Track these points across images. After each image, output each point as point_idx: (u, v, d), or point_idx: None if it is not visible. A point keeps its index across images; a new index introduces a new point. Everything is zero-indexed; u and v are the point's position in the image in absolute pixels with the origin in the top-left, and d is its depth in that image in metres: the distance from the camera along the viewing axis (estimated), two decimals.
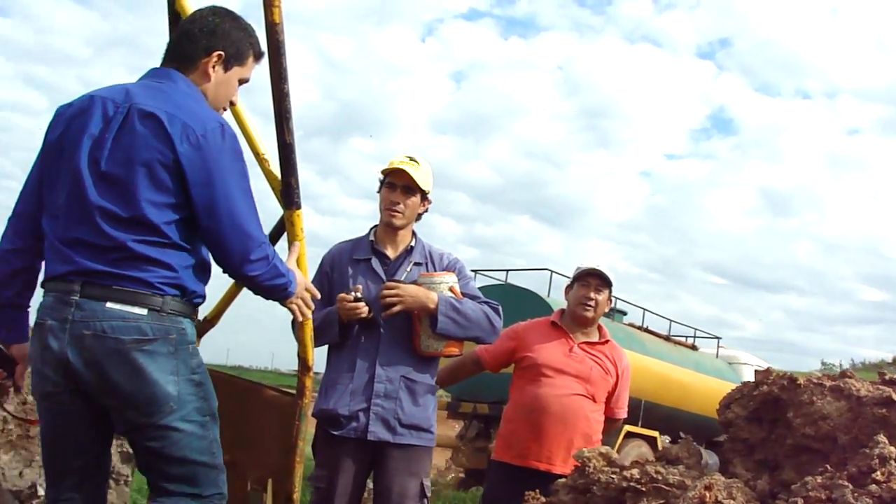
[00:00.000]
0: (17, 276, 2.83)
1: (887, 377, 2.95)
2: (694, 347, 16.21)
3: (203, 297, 2.85)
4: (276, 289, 2.86)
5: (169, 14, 4.25)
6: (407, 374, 3.74)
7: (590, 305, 4.60)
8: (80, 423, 2.71)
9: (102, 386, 2.61)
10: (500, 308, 3.89)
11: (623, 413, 4.81)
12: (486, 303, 3.86)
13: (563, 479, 3.15)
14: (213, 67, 2.91)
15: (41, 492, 4.55)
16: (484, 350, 4.64)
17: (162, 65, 2.91)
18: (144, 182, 2.63)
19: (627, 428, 13.33)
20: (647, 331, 15.02)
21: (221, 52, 2.91)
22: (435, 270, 3.85)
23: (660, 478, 2.78)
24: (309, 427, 3.62)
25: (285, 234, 3.72)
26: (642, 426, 13.69)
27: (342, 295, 3.68)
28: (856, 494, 2.40)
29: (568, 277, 4.92)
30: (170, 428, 2.66)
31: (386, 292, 3.67)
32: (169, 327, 2.66)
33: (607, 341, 4.74)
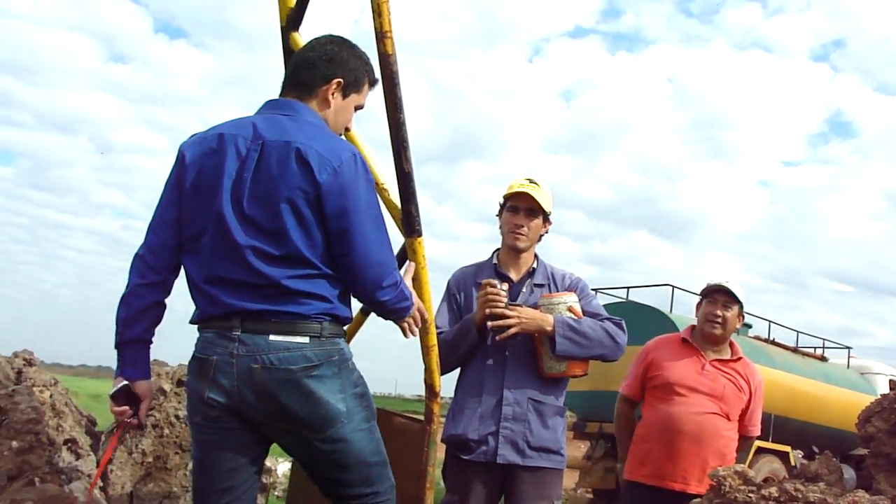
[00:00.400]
0: (148, 312, 2.88)
1: None
2: (823, 358, 15.73)
3: (351, 318, 2.96)
4: (400, 311, 2.98)
5: (284, 50, 4.37)
6: (534, 396, 3.74)
7: (717, 322, 4.52)
8: (239, 450, 2.81)
9: (277, 413, 2.72)
10: (622, 323, 3.86)
11: (757, 431, 4.71)
12: (608, 319, 3.82)
13: (698, 500, 3.09)
14: (333, 94, 2.98)
15: None
16: (626, 387, 4.71)
17: (281, 94, 3.00)
18: (290, 218, 2.72)
19: (758, 443, 13.00)
20: (773, 343, 14.65)
21: (340, 80, 2.99)
22: (557, 291, 3.84)
23: (799, 496, 2.71)
24: (438, 452, 3.64)
25: (407, 261, 3.77)
26: (773, 441, 13.35)
27: (489, 280, 3.73)
28: None
29: (689, 292, 4.89)
30: (343, 440, 2.80)
31: (498, 311, 3.68)
32: (330, 350, 2.77)
33: (740, 358, 4.64)
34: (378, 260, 2.83)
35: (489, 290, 3.67)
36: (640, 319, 11.32)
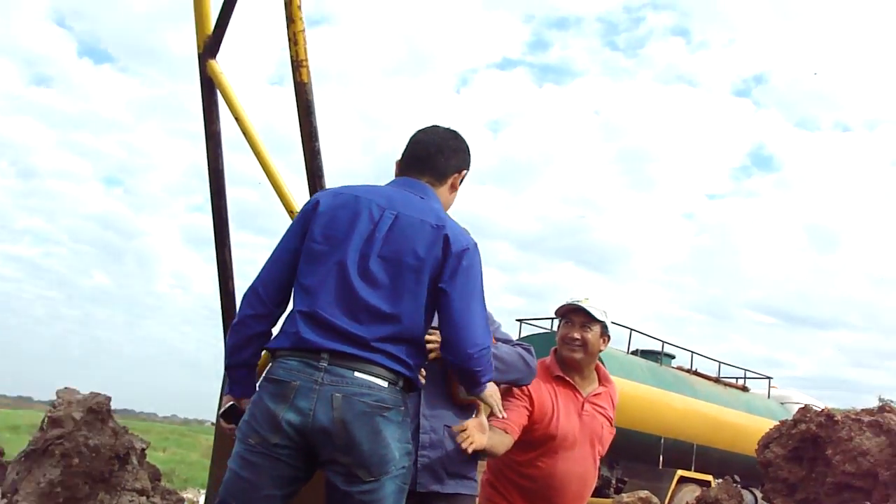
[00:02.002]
0: (255, 340, 3.11)
1: None
2: (745, 389, 16.02)
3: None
4: (483, 384, 3.19)
5: (200, 77, 4.36)
6: (449, 422, 3.72)
7: (577, 346, 4.10)
8: (286, 480, 2.92)
9: (344, 443, 2.83)
10: (532, 349, 3.87)
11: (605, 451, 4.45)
12: (518, 344, 3.85)
13: None
14: (459, 182, 3.34)
15: None
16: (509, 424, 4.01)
17: (411, 173, 3.26)
18: (409, 284, 2.96)
19: (681, 473, 13.18)
20: (696, 373, 14.89)
21: (466, 171, 3.35)
22: None
23: None
24: None
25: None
26: (695, 470, 13.52)
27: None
28: None
29: (616, 324, 4.49)
30: (383, 485, 2.89)
31: (427, 338, 3.66)
32: (400, 399, 2.96)
33: (609, 384, 4.26)
34: (478, 340, 3.05)
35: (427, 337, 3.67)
36: None
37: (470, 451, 3.51)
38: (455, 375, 3.30)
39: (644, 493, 2.72)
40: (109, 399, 4.96)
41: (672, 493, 12.71)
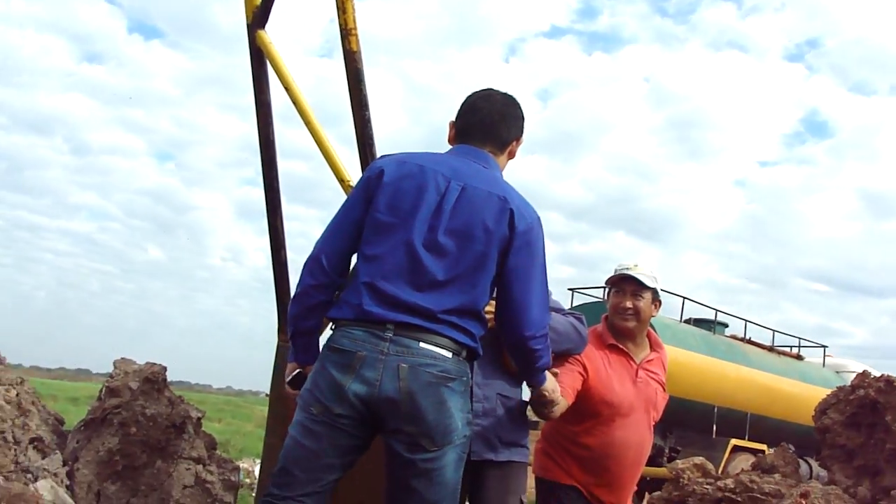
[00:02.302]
0: (318, 309, 3.11)
1: None
2: (799, 357, 15.84)
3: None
4: (540, 359, 3.16)
5: (250, 48, 4.37)
6: (502, 391, 3.72)
7: (629, 314, 4.10)
8: (347, 449, 2.95)
9: (409, 413, 2.85)
10: (583, 318, 3.86)
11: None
12: (570, 314, 3.84)
13: (658, 493, 3.11)
14: (516, 150, 3.31)
15: None
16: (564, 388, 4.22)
17: (472, 141, 3.22)
18: (477, 257, 2.96)
19: (734, 442, 13.10)
20: (750, 342, 14.75)
21: (522, 138, 3.32)
22: None
23: (755, 487, 2.73)
24: None
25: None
26: (749, 439, 13.43)
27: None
28: None
29: (667, 292, 4.46)
30: (445, 453, 2.92)
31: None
32: (464, 369, 2.98)
33: (661, 349, 4.29)
34: (540, 311, 3.07)
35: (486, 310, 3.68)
36: None
37: (555, 417, 3.56)
38: (510, 357, 3.29)
39: (699, 460, 2.72)
40: (165, 369, 5.03)
41: (725, 461, 12.64)
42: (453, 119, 3.30)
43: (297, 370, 3.25)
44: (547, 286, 3.16)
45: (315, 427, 2.92)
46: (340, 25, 3.79)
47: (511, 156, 3.31)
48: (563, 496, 4.10)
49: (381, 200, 3.01)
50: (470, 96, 3.30)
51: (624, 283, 4.08)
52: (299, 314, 3.14)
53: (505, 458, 3.67)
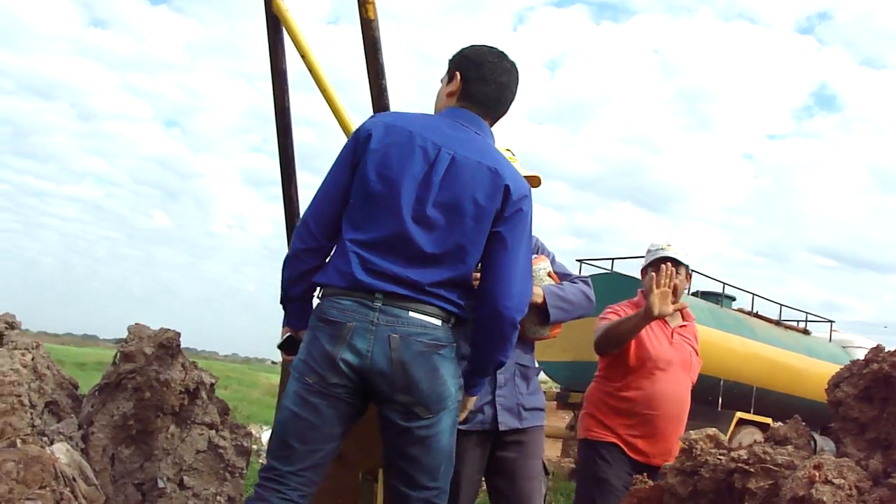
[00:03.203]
0: (308, 274, 3.11)
1: None
2: (806, 332, 15.86)
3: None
4: (504, 352, 3.14)
5: (266, 15, 4.36)
6: (519, 360, 3.81)
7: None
8: (344, 418, 2.98)
9: (402, 383, 2.90)
10: (590, 282, 3.93)
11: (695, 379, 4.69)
12: (578, 279, 3.90)
13: (670, 463, 3.14)
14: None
15: (161, 484, 4.72)
16: (613, 313, 4.51)
17: (475, 109, 3.18)
18: (466, 231, 2.97)
19: (739, 415, 13.15)
20: (757, 316, 14.76)
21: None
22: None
23: (768, 458, 2.75)
24: None
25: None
26: (755, 413, 13.47)
27: None
28: None
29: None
30: (440, 420, 2.97)
31: None
32: (452, 336, 3.02)
33: (692, 319, 4.63)
34: (523, 283, 3.10)
35: None
36: (626, 291, 11.33)
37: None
38: (480, 330, 3.20)
39: (712, 431, 2.75)
40: (179, 335, 5.06)
41: (731, 434, 12.70)
42: (453, 73, 3.22)
43: (289, 334, 3.27)
44: (529, 260, 3.17)
45: (312, 398, 2.93)
46: None
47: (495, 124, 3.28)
48: (604, 452, 4.38)
49: (369, 167, 2.99)
50: (487, 61, 3.21)
51: (663, 263, 4.34)
52: (291, 278, 3.14)
53: (528, 424, 3.79)
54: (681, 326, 4.51)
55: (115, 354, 5.10)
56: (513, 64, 3.26)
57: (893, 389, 2.84)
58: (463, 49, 3.26)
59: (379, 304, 2.89)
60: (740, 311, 14.68)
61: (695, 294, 14.03)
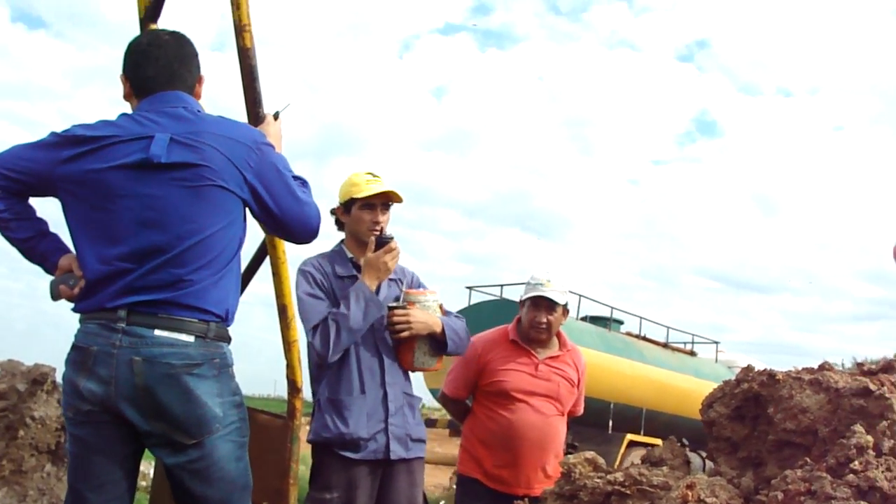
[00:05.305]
0: None
1: (865, 368, 2.97)
2: (692, 353, 16.23)
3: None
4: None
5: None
6: (406, 390, 3.84)
7: (542, 328, 4.53)
8: (114, 445, 2.75)
9: (153, 410, 2.67)
10: (463, 318, 3.99)
11: (581, 410, 4.78)
12: (458, 317, 3.96)
13: (550, 487, 3.16)
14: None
15: None
16: (451, 388, 4.66)
17: (161, 89, 2.95)
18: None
19: (630, 437, 13.36)
20: (644, 339, 15.06)
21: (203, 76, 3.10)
22: (403, 285, 3.91)
23: (644, 480, 2.79)
24: (301, 448, 3.64)
25: (268, 257, 3.76)
26: (644, 434, 13.70)
27: (411, 290, 3.88)
28: (834, 485, 2.41)
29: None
30: (214, 447, 2.75)
31: (396, 319, 3.71)
32: (213, 353, 2.76)
33: (568, 349, 4.69)
34: None
35: (398, 312, 3.71)
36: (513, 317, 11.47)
37: (403, 335, 3.72)
38: None
39: (590, 454, 2.77)
40: (54, 370, 4.92)
41: (622, 456, 12.89)
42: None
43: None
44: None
45: (77, 431, 2.76)
46: (234, 21, 3.75)
47: (198, 97, 3.06)
48: (467, 488, 4.42)
49: None
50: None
51: (540, 300, 4.48)
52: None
53: (414, 454, 3.78)
54: (551, 357, 4.57)
55: None
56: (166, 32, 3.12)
57: (763, 408, 2.92)
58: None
59: (122, 325, 2.69)
60: (629, 334, 14.96)
61: (583, 318, 14.25)
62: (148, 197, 2.75)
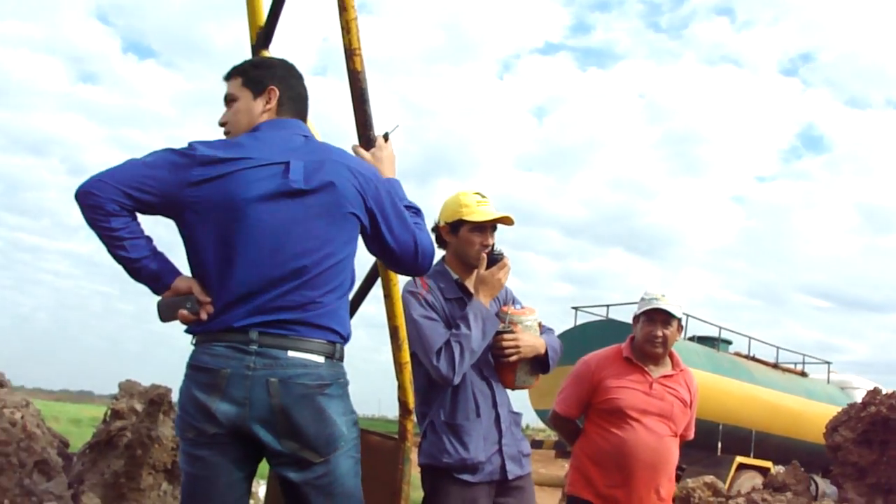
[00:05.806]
0: None
1: None
2: (804, 374, 15.81)
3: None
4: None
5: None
6: (511, 408, 3.82)
7: (658, 342, 4.41)
8: (235, 465, 2.76)
9: (287, 429, 2.69)
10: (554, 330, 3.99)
11: (692, 434, 4.68)
12: (548, 329, 3.96)
13: None
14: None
15: None
16: (562, 406, 4.60)
17: (298, 116, 3.06)
18: None
19: (739, 459, 13.05)
20: (753, 359, 14.73)
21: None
22: (503, 304, 3.88)
23: None
24: (412, 469, 3.63)
25: (379, 279, 3.77)
26: (754, 457, 13.38)
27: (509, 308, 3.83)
28: None
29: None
30: (338, 464, 2.77)
31: (506, 343, 3.70)
32: (339, 373, 2.81)
33: (682, 370, 4.61)
34: None
35: (507, 337, 3.72)
36: (620, 337, 11.30)
37: (512, 359, 3.68)
38: None
39: (709, 478, 2.70)
40: (170, 390, 5.01)
41: (731, 479, 12.59)
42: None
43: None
44: None
45: (198, 452, 2.74)
46: (345, 46, 3.77)
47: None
48: None
49: None
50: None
51: (655, 314, 4.38)
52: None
53: (526, 470, 3.79)
54: (665, 376, 4.47)
55: (106, 412, 5.05)
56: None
57: (892, 432, 2.81)
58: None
59: (255, 347, 2.70)
60: (737, 354, 14.65)
61: (691, 339, 14.01)
62: (286, 222, 2.78)
